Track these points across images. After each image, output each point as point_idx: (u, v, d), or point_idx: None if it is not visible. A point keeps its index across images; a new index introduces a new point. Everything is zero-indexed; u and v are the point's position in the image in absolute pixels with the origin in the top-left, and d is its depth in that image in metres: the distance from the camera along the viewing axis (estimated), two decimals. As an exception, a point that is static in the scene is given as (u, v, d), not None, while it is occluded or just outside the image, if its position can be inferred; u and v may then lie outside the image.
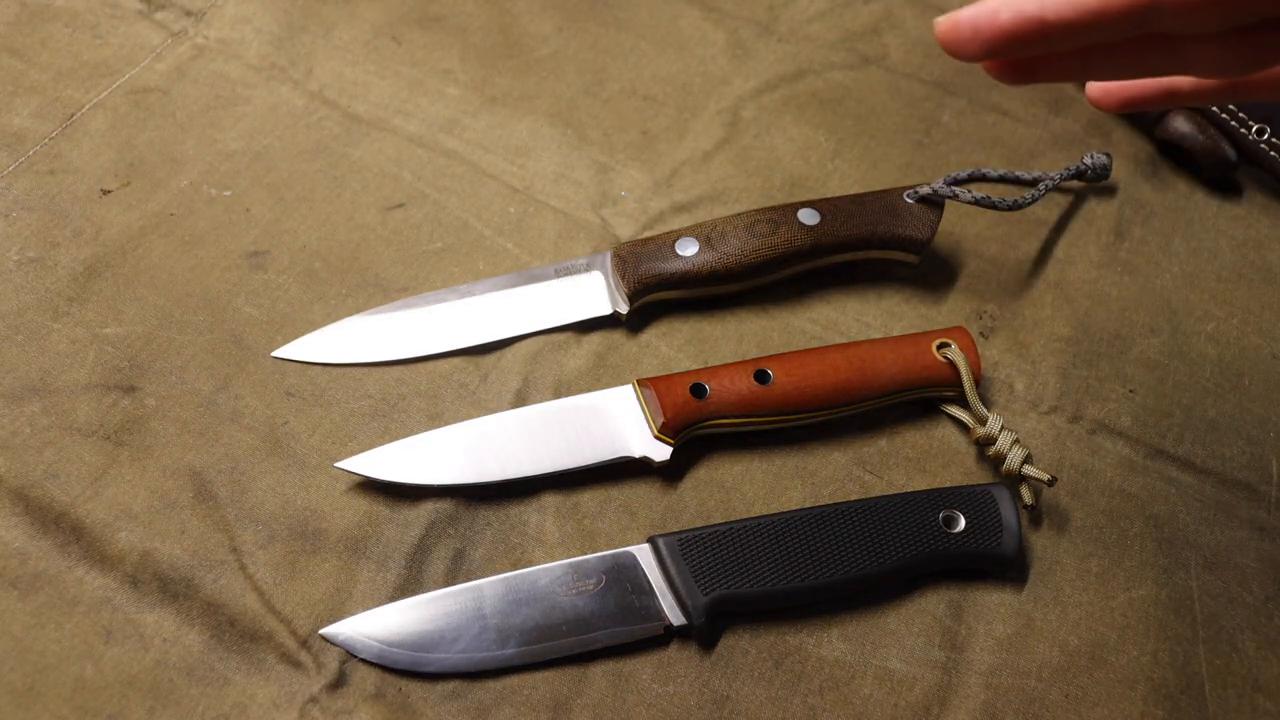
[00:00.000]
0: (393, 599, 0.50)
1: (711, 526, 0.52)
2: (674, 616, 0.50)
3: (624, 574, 0.51)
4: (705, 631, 0.50)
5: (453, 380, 0.58)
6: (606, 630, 0.49)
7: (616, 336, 0.61)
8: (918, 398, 0.59)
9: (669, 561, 0.50)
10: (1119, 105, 0.47)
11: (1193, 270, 0.66)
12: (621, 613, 0.50)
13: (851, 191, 0.67)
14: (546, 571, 0.50)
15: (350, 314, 0.60)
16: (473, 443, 0.54)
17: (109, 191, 0.64)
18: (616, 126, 0.71)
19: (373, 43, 0.74)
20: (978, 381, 0.57)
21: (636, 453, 0.54)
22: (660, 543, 0.51)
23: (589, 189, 0.67)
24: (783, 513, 0.53)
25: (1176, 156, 0.72)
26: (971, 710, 0.50)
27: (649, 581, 0.50)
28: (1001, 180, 0.65)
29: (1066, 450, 0.58)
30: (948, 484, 0.56)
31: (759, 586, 0.50)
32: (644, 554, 0.51)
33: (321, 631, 0.49)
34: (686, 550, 0.51)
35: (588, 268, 0.61)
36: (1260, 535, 0.56)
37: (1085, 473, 0.58)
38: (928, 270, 0.65)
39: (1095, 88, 0.48)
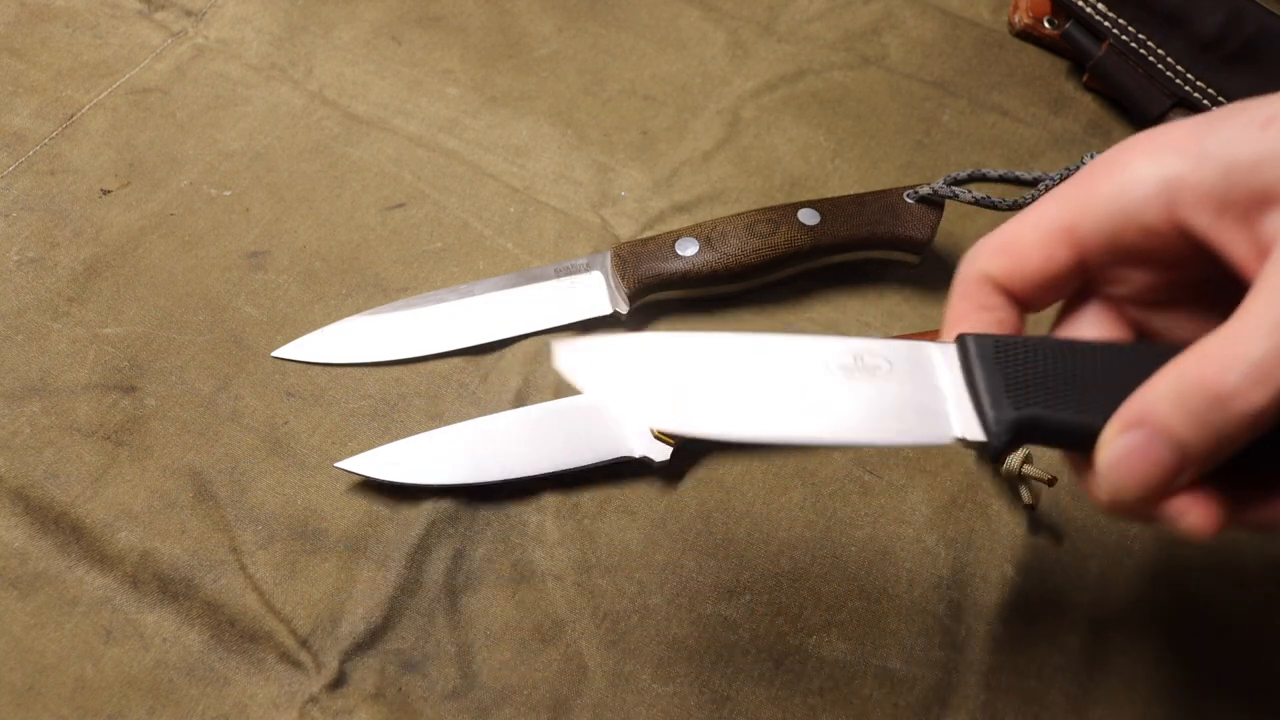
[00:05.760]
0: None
1: (1038, 337, 0.40)
2: (965, 429, 0.39)
3: (915, 368, 0.40)
4: (1002, 449, 0.39)
5: (453, 380, 0.58)
6: (882, 426, 0.38)
7: (616, 336, 0.61)
8: (918, 398, 0.58)
9: (976, 364, 0.39)
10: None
11: (1193, 270, 0.66)
12: (901, 410, 0.39)
13: (851, 191, 0.67)
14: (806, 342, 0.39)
15: (350, 314, 0.60)
16: (473, 443, 0.54)
17: (109, 191, 0.64)
18: (616, 126, 0.71)
19: (373, 43, 0.74)
20: (978, 381, 0.57)
21: (636, 453, 0.54)
22: (970, 341, 0.40)
23: (589, 189, 0.67)
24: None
25: (1176, 156, 0.72)
26: (971, 710, 0.50)
27: (944, 383, 0.40)
28: (1001, 180, 0.65)
29: (1066, 450, 0.58)
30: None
31: (1079, 415, 0.38)
32: (946, 352, 0.40)
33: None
34: (1002, 355, 0.40)
35: (588, 268, 0.61)
36: (1259, 535, 0.56)
37: (1085, 473, 0.58)
38: (928, 270, 0.65)
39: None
